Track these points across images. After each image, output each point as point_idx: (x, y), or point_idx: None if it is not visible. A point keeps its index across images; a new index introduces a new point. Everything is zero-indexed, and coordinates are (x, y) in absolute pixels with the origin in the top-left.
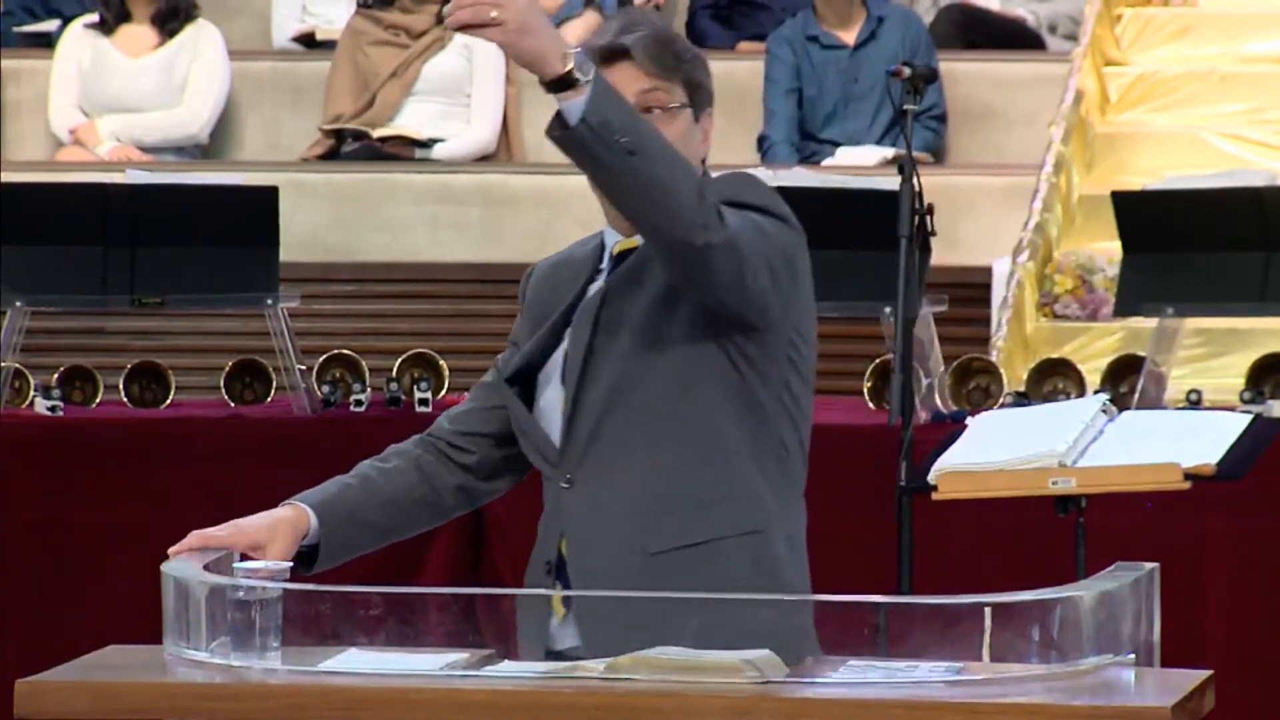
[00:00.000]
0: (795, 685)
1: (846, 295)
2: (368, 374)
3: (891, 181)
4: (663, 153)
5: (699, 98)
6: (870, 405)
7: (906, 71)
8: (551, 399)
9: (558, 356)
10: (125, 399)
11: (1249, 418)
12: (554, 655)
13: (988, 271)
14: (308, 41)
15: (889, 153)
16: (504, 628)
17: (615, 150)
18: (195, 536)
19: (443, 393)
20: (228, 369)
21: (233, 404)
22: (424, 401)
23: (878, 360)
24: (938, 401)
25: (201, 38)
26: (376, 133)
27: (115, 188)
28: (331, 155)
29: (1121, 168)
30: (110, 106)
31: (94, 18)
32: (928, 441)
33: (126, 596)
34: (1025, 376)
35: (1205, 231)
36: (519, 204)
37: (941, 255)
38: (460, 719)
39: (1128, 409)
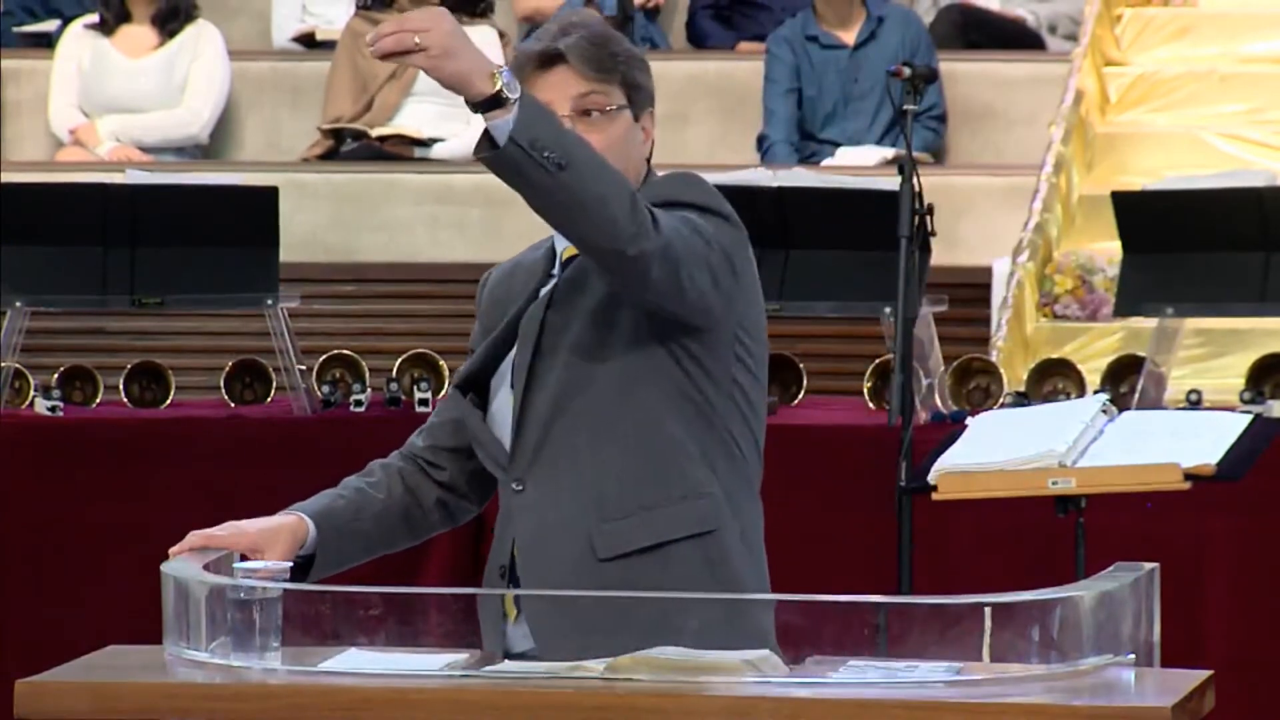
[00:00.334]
0: (795, 685)
1: (846, 295)
2: (368, 374)
3: (891, 181)
4: (593, 166)
5: (638, 98)
6: (870, 405)
7: (906, 71)
8: (503, 404)
9: (508, 361)
10: (125, 399)
11: (1249, 418)
12: (511, 658)
13: (988, 271)
14: (308, 42)
15: (889, 153)
16: None
17: (545, 167)
18: (195, 537)
19: (442, 393)
20: (228, 369)
21: (233, 404)
22: (424, 401)
23: (878, 360)
24: (938, 401)
25: (201, 38)
26: (376, 132)
27: (115, 188)
28: (331, 155)
29: (1121, 168)
30: (110, 107)
31: (94, 18)
32: (928, 441)
33: (126, 596)
34: (1025, 376)
35: (1205, 231)
36: (519, 204)
37: (941, 255)
38: (460, 719)
39: (1128, 409)
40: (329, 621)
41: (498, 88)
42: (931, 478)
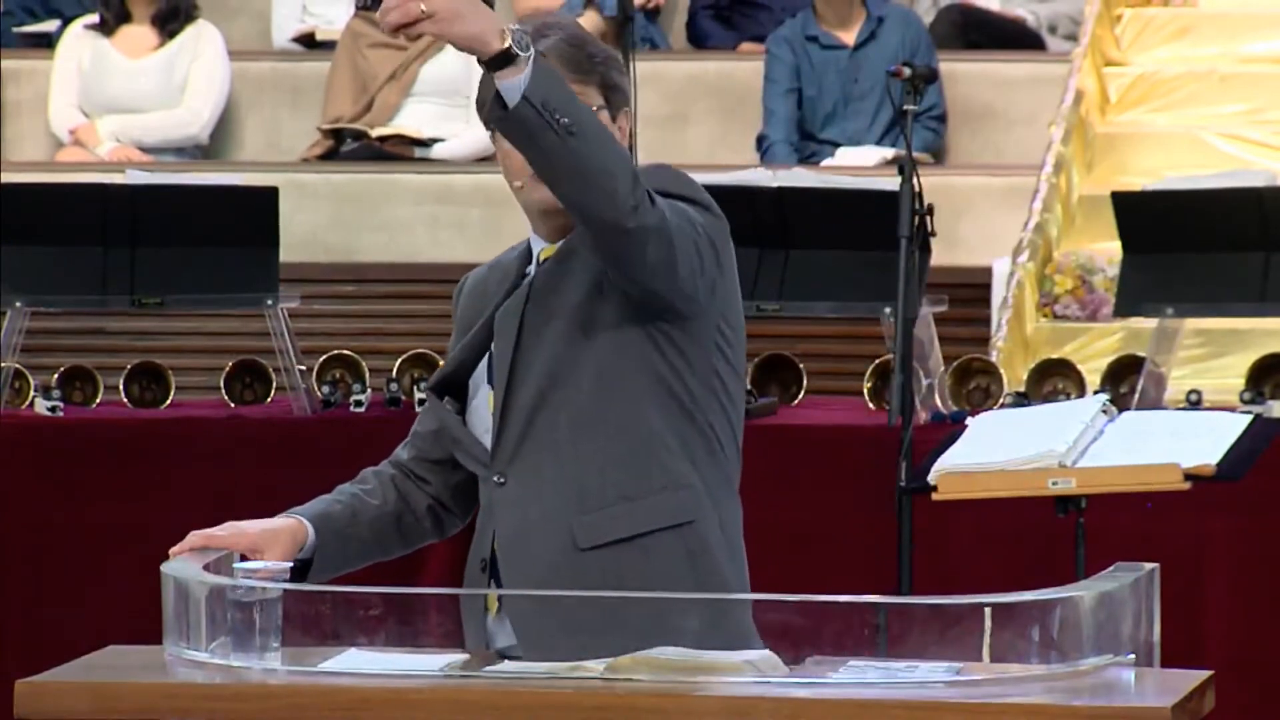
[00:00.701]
0: (795, 685)
1: (846, 295)
2: (368, 374)
3: (891, 182)
4: (600, 135)
5: (615, 98)
6: (870, 405)
7: (906, 72)
8: (482, 402)
9: (486, 360)
10: (125, 399)
11: (1249, 418)
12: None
13: (988, 272)
14: (308, 42)
15: (889, 153)
16: None
17: (555, 130)
18: (195, 537)
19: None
20: (228, 369)
21: (233, 404)
22: (423, 401)
23: (878, 360)
24: (938, 401)
25: (201, 38)
26: (376, 132)
27: (115, 188)
28: (331, 155)
29: (1121, 168)
30: (110, 107)
31: (94, 18)
32: (928, 441)
33: (126, 596)
34: (1025, 377)
35: (1205, 231)
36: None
37: (941, 255)
38: (460, 719)
39: (1128, 409)
40: (329, 622)
41: (507, 44)
42: (931, 478)
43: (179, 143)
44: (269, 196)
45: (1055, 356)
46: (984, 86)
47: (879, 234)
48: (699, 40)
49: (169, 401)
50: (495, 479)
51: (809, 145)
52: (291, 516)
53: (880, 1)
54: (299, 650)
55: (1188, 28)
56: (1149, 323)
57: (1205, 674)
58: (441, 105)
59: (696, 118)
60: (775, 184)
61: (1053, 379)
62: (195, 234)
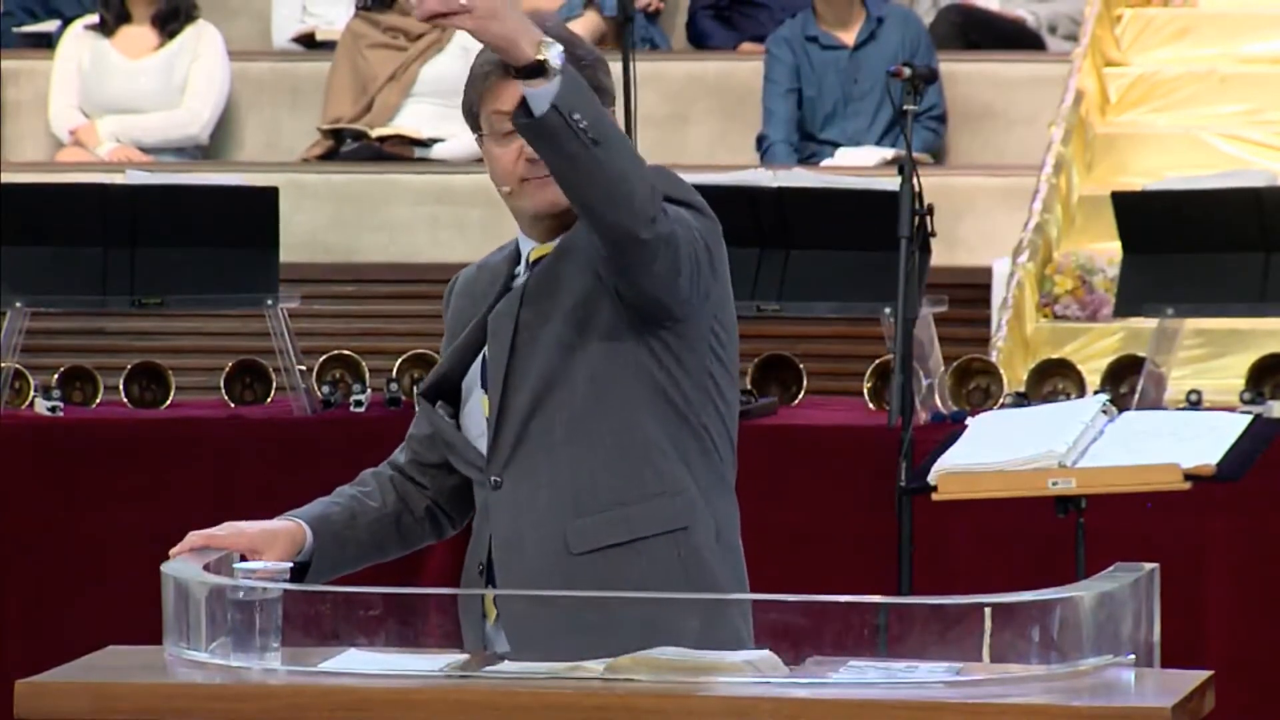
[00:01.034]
0: (795, 685)
1: (846, 295)
2: (368, 374)
3: (891, 182)
4: (623, 146)
5: (602, 100)
6: (870, 405)
7: (906, 72)
8: (476, 405)
9: (478, 364)
10: (125, 399)
11: (1249, 418)
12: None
13: (988, 272)
14: (307, 42)
15: (889, 153)
16: None
17: (581, 139)
18: (195, 537)
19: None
20: (228, 369)
21: (233, 404)
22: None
23: (878, 360)
24: (938, 402)
25: (201, 38)
26: (376, 132)
27: (115, 188)
28: (331, 156)
29: (1121, 168)
30: (110, 107)
31: (94, 18)
32: (928, 442)
33: (126, 597)
34: (1025, 377)
35: (1205, 231)
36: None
37: (941, 255)
38: (460, 719)
39: (1128, 409)
40: (329, 622)
41: (543, 56)
42: (931, 478)
43: (179, 143)
44: (269, 197)
45: (1055, 357)
46: (984, 87)
47: (879, 234)
48: (699, 40)
49: (169, 402)
50: (490, 483)
51: (809, 145)
52: (290, 519)
53: (880, 2)
54: (299, 650)
55: (1188, 28)
56: (1149, 323)
57: (1205, 674)
58: (441, 105)
59: (696, 118)
60: (775, 184)
61: (1053, 379)
62: (195, 234)
